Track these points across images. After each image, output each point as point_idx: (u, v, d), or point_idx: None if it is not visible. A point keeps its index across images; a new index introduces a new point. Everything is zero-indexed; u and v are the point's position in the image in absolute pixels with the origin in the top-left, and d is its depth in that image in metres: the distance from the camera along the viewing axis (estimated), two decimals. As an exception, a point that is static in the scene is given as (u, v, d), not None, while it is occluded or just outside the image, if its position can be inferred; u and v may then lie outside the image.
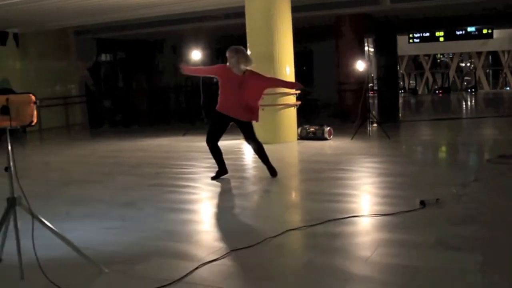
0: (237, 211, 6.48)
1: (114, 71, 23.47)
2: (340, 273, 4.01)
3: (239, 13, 13.76)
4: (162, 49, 25.33)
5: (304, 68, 20.16)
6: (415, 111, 23.38)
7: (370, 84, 19.04)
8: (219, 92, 7.80)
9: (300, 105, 12.52)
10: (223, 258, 4.36)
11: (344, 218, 5.47)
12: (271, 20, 11.87)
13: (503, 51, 44.24)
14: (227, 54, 7.71)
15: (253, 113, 7.86)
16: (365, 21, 17.93)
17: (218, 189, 7.50)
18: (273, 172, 7.96)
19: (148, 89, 24.23)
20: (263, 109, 11.48)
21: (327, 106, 20.14)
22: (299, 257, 4.57)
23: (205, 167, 9.01)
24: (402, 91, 37.03)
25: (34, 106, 4.11)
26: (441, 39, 28.60)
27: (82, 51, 20.80)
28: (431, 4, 15.73)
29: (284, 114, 12.06)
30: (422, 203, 5.79)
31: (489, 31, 27.46)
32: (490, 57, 47.80)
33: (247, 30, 12.21)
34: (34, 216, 4.12)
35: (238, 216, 6.23)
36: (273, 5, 11.91)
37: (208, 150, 8.03)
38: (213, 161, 8.08)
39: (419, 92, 41.93)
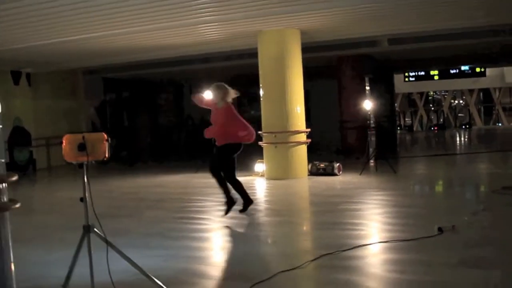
0: (268, 238, 7.01)
1: (120, 110, 24.04)
2: (378, 289, 4.55)
3: (248, 54, 14.47)
4: (167, 88, 26.03)
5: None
6: (414, 147, 23.99)
7: (369, 121, 19.64)
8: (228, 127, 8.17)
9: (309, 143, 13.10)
10: (273, 277, 4.89)
11: (371, 244, 6.03)
12: (283, 62, 12.53)
13: (494, 88, 45.27)
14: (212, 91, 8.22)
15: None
16: (364, 61, 18.65)
17: (241, 221, 8.01)
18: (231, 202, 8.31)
19: (152, 127, 24.85)
20: (276, 147, 12.18)
21: (329, 143, 20.67)
22: (339, 277, 5.07)
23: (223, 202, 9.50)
24: (399, 128, 37.80)
25: (107, 144, 4.67)
26: (436, 77, 29.50)
27: (89, 90, 21.43)
28: (425, 46, 16.47)
29: (295, 151, 12.62)
30: (440, 229, 6.36)
31: (482, 69, 28.36)
32: (481, 94, 48.89)
33: (260, 72, 12.87)
34: (108, 243, 4.64)
35: (269, 243, 6.76)
36: (285, 46, 12.59)
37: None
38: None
39: (414, 129, 42.72)
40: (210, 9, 10.72)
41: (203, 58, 17.13)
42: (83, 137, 4.60)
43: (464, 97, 49.94)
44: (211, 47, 14.76)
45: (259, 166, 13.34)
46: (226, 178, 8.30)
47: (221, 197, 9.95)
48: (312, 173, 12.92)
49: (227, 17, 11.56)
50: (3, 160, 4.68)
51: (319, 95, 23.19)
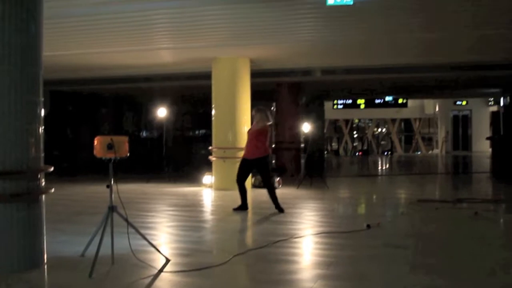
0: (238, 230, 8.63)
1: (64, 122, 25.02)
2: (327, 262, 6.25)
3: (200, 76, 16.02)
4: (110, 103, 27.21)
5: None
6: (341, 169, 26.01)
7: (302, 143, 21.49)
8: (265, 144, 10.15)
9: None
10: (247, 252, 6.55)
11: (315, 234, 7.77)
12: (233, 86, 14.22)
13: (414, 119, 48.45)
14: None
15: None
16: (299, 88, 20.53)
17: (207, 217, 9.57)
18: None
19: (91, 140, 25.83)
20: (224, 161, 13.79)
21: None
22: (297, 251, 6.72)
23: (183, 205, 11.06)
24: (326, 152, 40.06)
25: (128, 144, 6.18)
26: (362, 106, 31.91)
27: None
28: (354, 77, 18.55)
29: (241, 165, 14.26)
30: (368, 226, 8.16)
31: (404, 100, 30.96)
32: (403, 123, 52.09)
33: (213, 93, 14.49)
34: (128, 222, 6.16)
35: (236, 231, 8.39)
36: (236, 72, 14.29)
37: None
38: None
39: (340, 154, 45.20)
40: (168, 38, 12.33)
41: (153, 76, 18.32)
42: (111, 139, 6.09)
43: (386, 126, 53.01)
44: (168, 68, 16.23)
45: (207, 178, 14.87)
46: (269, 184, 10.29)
47: (175, 201, 11.61)
48: (255, 185, 14.53)
49: (184, 46, 13.14)
50: (43, 155, 6.17)
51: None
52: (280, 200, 10.25)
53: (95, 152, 6.14)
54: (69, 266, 6.10)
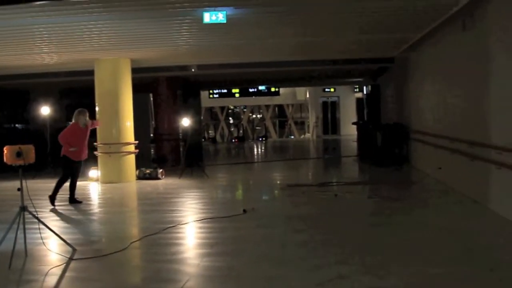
0: (130, 220, 9.67)
1: None
2: (211, 243, 7.52)
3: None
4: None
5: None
6: (218, 156, 27.38)
7: (181, 134, 22.48)
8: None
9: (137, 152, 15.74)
10: (143, 238, 7.68)
11: (199, 220, 9.03)
12: (115, 85, 15.13)
13: (287, 105, 50.84)
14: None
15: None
16: (177, 81, 21.56)
17: (99, 210, 10.55)
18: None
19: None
20: (110, 156, 14.66)
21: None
22: (184, 235, 7.92)
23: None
24: (203, 139, 41.21)
25: (34, 152, 7.09)
26: (237, 95, 33.55)
27: None
28: (228, 71, 19.88)
29: (126, 159, 15.20)
30: (244, 210, 9.53)
31: (276, 89, 32.86)
32: (276, 109, 54.40)
33: (96, 92, 15.30)
34: (38, 219, 7.09)
35: (130, 222, 9.46)
36: (118, 72, 15.19)
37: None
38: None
39: (217, 141, 46.66)
40: (51, 45, 13.00)
41: (34, 74, 18.58)
42: (20, 147, 6.99)
43: (261, 111, 55.12)
44: (52, 67, 16.66)
45: (93, 172, 15.64)
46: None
47: (64, 196, 12.38)
48: (139, 177, 15.52)
49: (66, 50, 13.84)
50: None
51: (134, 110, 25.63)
52: (164, 191, 11.36)
53: (5, 159, 7.00)
54: (-15, 261, 6.93)
